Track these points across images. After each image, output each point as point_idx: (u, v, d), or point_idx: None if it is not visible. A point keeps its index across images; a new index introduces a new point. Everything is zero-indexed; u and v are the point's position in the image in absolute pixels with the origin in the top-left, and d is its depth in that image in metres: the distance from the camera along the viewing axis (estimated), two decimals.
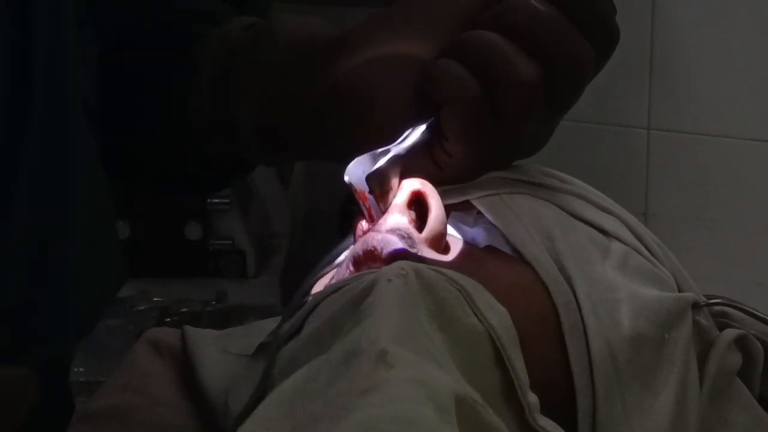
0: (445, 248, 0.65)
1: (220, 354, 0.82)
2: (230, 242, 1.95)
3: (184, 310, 1.87)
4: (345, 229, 0.70)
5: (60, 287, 0.72)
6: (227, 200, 1.92)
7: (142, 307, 1.89)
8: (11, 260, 0.69)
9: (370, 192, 0.65)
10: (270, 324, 0.80)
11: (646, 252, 0.69)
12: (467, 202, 0.67)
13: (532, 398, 0.58)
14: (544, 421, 0.58)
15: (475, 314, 0.58)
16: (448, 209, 0.66)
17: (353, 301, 0.56)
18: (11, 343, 0.69)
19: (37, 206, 0.69)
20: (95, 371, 1.63)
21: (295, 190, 1.94)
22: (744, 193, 1.66)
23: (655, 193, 1.73)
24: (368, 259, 0.62)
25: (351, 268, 0.63)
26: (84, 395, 0.84)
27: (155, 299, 1.91)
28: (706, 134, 1.68)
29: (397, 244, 0.62)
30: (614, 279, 0.65)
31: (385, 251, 0.62)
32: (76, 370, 1.67)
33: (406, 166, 0.66)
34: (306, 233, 2.10)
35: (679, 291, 0.69)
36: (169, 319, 1.83)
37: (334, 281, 0.63)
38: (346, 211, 0.71)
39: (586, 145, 1.73)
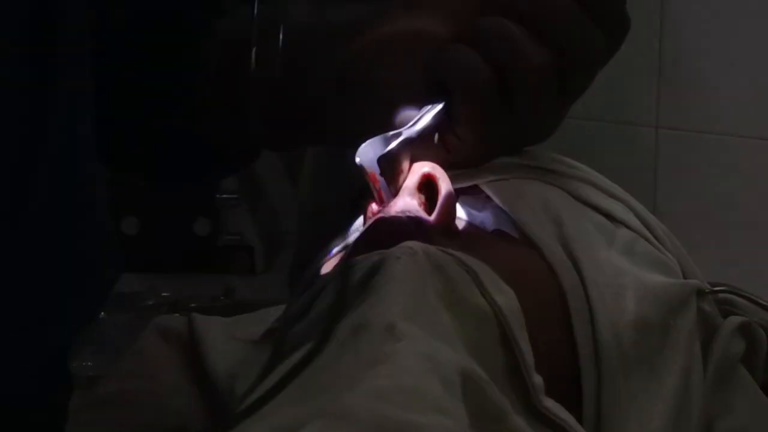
0: (454, 231, 0.66)
1: (227, 340, 0.82)
2: (239, 238, 1.95)
3: (192, 305, 1.87)
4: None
5: (59, 278, 0.72)
6: (236, 196, 1.92)
7: (151, 302, 1.89)
8: (17, 251, 0.69)
9: (381, 174, 0.65)
10: (277, 311, 0.81)
11: (652, 238, 0.70)
12: (476, 186, 0.68)
13: (537, 380, 0.58)
14: (549, 403, 0.58)
15: (483, 295, 0.58)
16: (458, 193, 0.67)
17: (362, 279, 0.57)
18: (11, 334, 0.70)
19: (47, 200, 0.70)
20: (103, 366, 1.63)
21: (304, 186, 1.93)
22: (753, 191, 1.66)
23: (664, 192, 1.72)
24: (378, 240, 0.62)
25: (360, 249, 0.63)
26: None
27: (163, 294, 1.91)
28: (715, 133, 1.67)
29: (407, 226, 0.63)
30: (621, 264, 0.65)
31: (395, 233, 0.62)
32: (84, 364, 1.67)
33: (417, 149, 0.66)
34: (315, 229, 2.10)
35: (685, 278, 0.69)
36: (177, 315, 1.83)
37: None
38: (356, 207, 0.72)
39: (594, 143, 1.73)
